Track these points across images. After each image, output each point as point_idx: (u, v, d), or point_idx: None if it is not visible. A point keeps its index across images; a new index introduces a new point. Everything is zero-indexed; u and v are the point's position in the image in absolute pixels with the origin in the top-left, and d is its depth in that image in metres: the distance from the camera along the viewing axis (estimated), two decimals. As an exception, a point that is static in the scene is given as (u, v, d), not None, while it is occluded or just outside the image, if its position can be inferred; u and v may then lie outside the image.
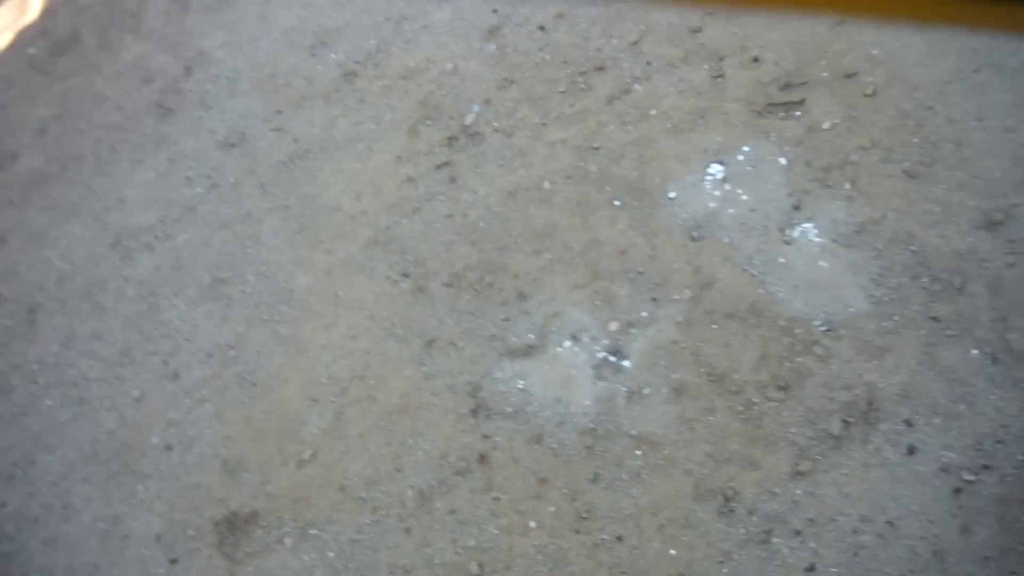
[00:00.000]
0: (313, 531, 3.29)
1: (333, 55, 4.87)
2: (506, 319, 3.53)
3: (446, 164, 4.16)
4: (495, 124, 4.22)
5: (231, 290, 4.10)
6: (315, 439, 3.50)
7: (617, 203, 3.72)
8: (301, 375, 3.68)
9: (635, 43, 4.19)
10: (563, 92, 4.20)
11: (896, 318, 3.14)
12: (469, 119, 4.29)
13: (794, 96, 3.77)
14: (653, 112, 3.95)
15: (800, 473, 2.94)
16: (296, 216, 4.27)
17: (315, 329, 3.80)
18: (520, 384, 3.35)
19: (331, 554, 3.23)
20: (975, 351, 3.03)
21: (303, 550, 3.27)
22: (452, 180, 4.08)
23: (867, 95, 3.67)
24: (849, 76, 3.73)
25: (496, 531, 3.10)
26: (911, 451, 2.90)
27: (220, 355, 3.88)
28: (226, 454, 3.60)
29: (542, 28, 4.51)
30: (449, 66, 4.55)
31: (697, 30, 4.11)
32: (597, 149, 3.94)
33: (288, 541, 3.30)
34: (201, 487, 3.56)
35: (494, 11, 4.70)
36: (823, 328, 3.18)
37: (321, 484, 3.38)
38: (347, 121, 4.60)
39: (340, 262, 3.98)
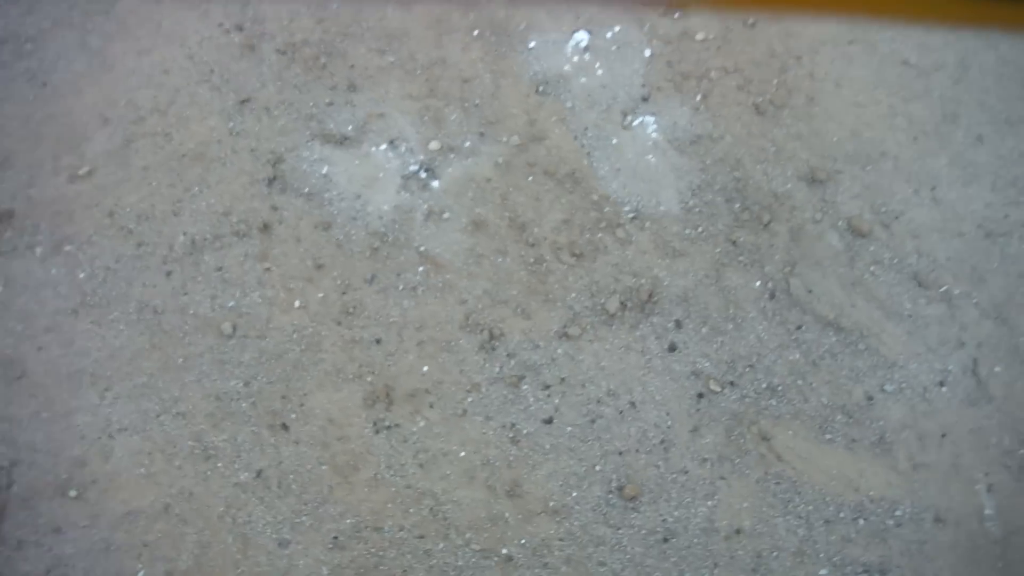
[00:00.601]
0: (68, 247, 3.07)
1: None
2: (330, 103, 3.38)
3: (317, -66, 3.93)
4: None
5: (47, -19, 3.73)
6: (96, 158, 3.24)
7: (476, 33, 3.62)
8: (98, 91, 3.38)
9: None
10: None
11: (700, 229, 3.24)
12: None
13: (680, -1, 3.78)
14: (535, -38, 3.87)
15: (567, 335, 3.00)
16: (139, -72, 3.92)
17: (127, 50, 3.49)
18: (325, 169, 3.23)
19: (82, 274, 3.03)
20: (758, 283, 3.18)
21: (53, 263, 3.05)
22: (317, -48, 3.86)
23: (747, 24, 3.72)
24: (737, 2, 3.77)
25: (259, 300, 3.01)
26: (672, 348, 3.02)
27: (14, 45, 3.53)
28: (-6, 143, 3.30)
29: None
30: None
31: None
32: (475, -25, 3.82)
33: (39, 250, 3.06)
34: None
35: None
36: (631, 215, 3.24)
37: (89, 204, 3.15)
38: None
39: (174, -9, 3.70)
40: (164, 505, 2.77)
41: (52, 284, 3.01)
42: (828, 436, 2.95)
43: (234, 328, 2.95)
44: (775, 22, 3.72)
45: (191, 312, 2.97)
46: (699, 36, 3.64)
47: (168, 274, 3.03)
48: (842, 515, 2.83)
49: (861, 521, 2.83)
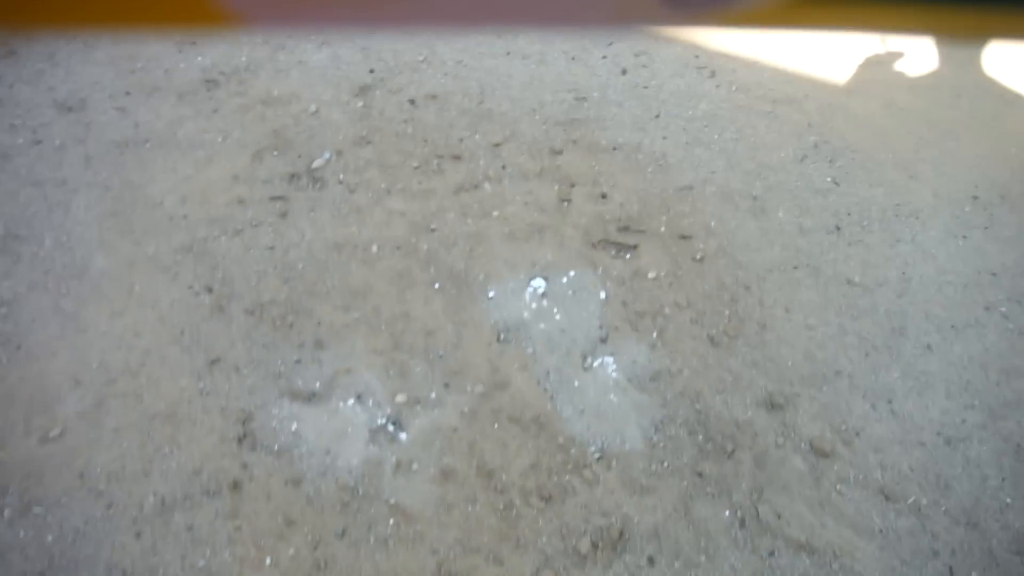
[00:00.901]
0: (38, 509, 3.08)
1: (200, 57, 4.81)
2: (298, 361, 3.48)
3: (282, 198, 4.13)
4: (341, 176, 4.24)
5: (23, 248, 3.88)
6: (67, 419, 3.29)
7: (437, 286, 3.77)
8: (72, 353, 3.49)
9: (497, 145, 4.32)
10: (416, 168, 4.27)
11: (665, 464, 3.29)
12: (317, 163, 4.29)
13: (629, 240, 3.96)
14: (496, 214, 4.06)
15: (540, 581, 2.99)
16: (114, 199, 4.11)
17: (100, 313, 3.63)
18: (294, 426, 3.29)
19: (50, 537, 3.02)
20: (727, 512, 3.20)
21: (21, 525, 3.04)
22: (283, 215, 4.05)
23: (695, 259, 3.90)
24: (684, 238, 3.97)
25: (229, 558, 2.99)
26: (644, 588, 3.01)
27: (-11, 310, 3.66)
28: (-35, 409, 3.36)
29: (412, 102, 4.60)
30: (312, 107, 4.56)
31: (558, 152, 4.29)
32: (433, 231, 4.00)
33: (7, 512, 3.06)
34: (-72, 437, 3.30)
35: (371, 71, 4.76)
36: (597, 455, 3.29)
37: (60, 465, 3.18)
38: (195, 125, 4.51)
39: (146, 257, 3.85)
40: None
41: (19, 547, 2.97)
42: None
43: (205, 590, 2.93)
44: (722, 255, 3.90)
45: (161, 573, 2.95)
46: (651, 275, 3.81)
47: (138, 535, 3.02)
48: None
49: None
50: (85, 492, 3.10)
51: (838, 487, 3.35)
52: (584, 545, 3.08)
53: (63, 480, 3.13)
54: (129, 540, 3.02)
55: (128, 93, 4.60)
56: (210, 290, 3.71)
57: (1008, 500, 3.46)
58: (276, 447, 3.25)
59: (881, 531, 3.27)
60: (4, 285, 3.73)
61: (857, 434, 3.50)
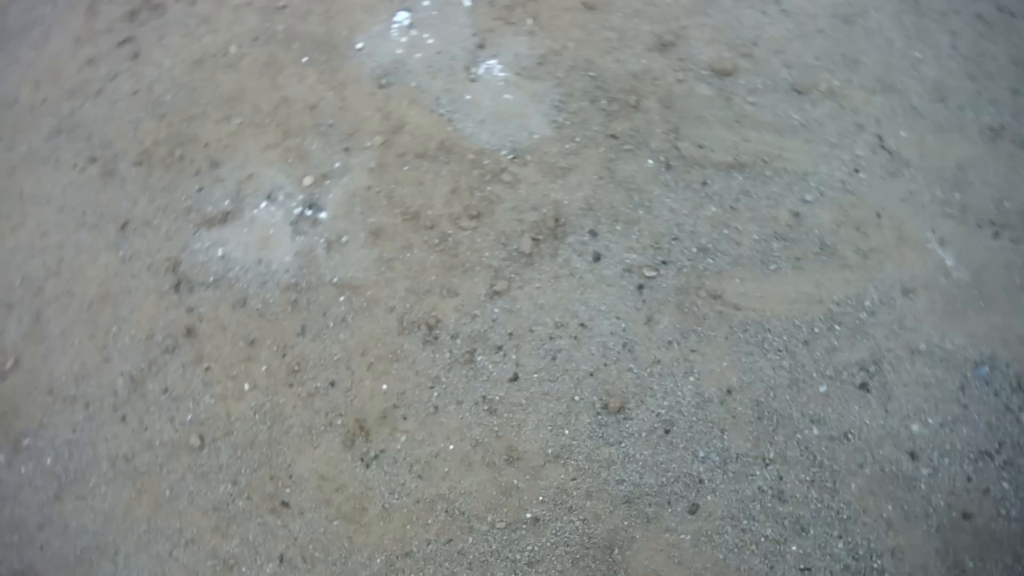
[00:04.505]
0: (27, 441, 3.10)
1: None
2: (200, 189, 3.41)
3: (128, 40, 3.94)
4: (177, -7, 4.04)
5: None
6: (15, 346, 3.27)
7: (305, 60, 3.65)
8: (-9, 281, 3.44)
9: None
10: (242, -45, 4.05)
11: (577, 139, 3.27)
12: (148, -10, 4.08)
13: (472, -60, 3.80)
14: (339, -34, 3.89)
15: (497, 293, 3.03)
16: (-32, 113, 3.95)
17: (2, 232, 3.54)
18: (220, 252, 3.26)
19: (48, 460, 3.06)
20: (650, 161, 3.20)
21: (19, 463, 3.08)
22: (135, 56, 3.88)
23: (545, -72, 3.75)
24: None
25: (211, 400, 3.04)
26: (597, 258, 3.05)
27: None
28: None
29: None
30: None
31: None
32: (283, 8, 3.84)
33: (1, 458, 3.10)
34: None
35: None
36: (510, 156, 3.26)
37: (28, 391, 3.18)
38: (19, 6, 4.27)
39: (22, 157, 3.71)
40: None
41: (27, 482, 3.03)
42: (773, 266, 2.98)
43: (201, 438, 2.97)
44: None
45: (157, 443, 3.00)
46: (509, -37, 3.66)
47: (123, 419, 3.05)
48: (817, 330, 2.86)
49: (837, 327, 2.86)
50: (61, 404, 3.11)
51: (749, 99, 3.32)
52: (526, 244, 3.10)
53: (36, 403, 3.14)
54: (117, 427, 3.05)
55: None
56: (94, 160, 3.60)
57: (918, 55, 3.43)
58: (211, 279, 3.23)
59: (803, 124, 3.26)
60: None
61: (754, 43, 3.45)
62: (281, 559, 2.78)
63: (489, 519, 2.73)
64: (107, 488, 2.96)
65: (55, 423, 3.10)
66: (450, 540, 2.72)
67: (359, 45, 3.65)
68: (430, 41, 3.60)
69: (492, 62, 3.49)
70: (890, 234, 3.01)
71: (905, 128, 3.22)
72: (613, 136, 3.25)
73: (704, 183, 3.14)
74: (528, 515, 2.71)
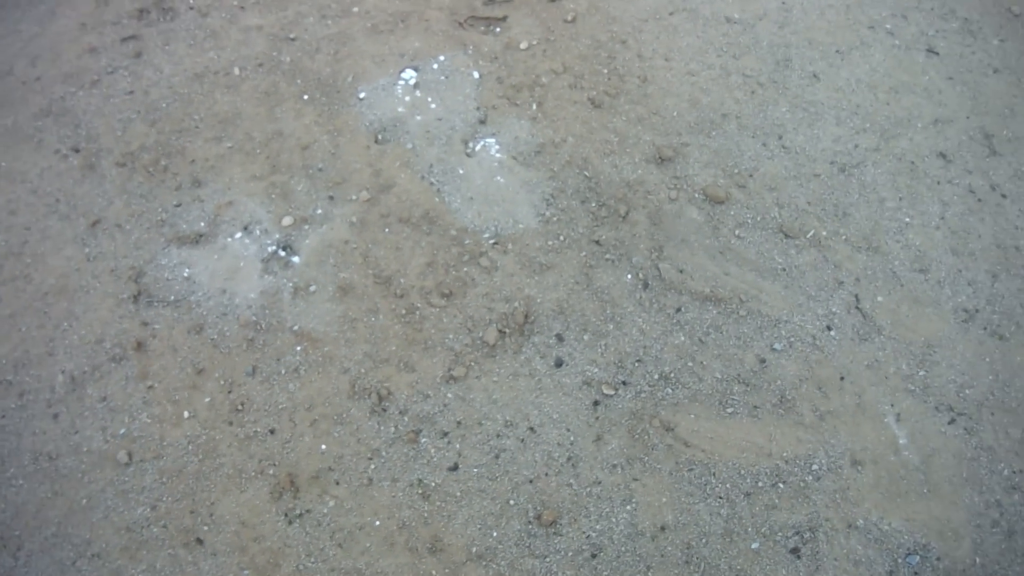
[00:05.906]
0: (-51, 416, 3.02)
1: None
2: (178, 205, 3.35)
3: (133, 37, 3.88)
4: (191, 1, 3.98)
5: None
6: (-40, 321, 3.20)
7: (306, 97, 3.62)
8: (-54, 249, 3.34)
9: (347, -61, 4.06)
10: (267, -22, 4.02)
11: (561, 238, 3.25)
12: (164, -8, 4.03)
13: (497, 12, 3.80)
14: (356, 9, 3.87)
15: (453, 378, 2.99)
16: (-43, 72, 3.86)
17: (-32, 200, 3.46)
18: (186, 272, 3.20)
19: (-33, 440, 2.98)
20: (629, 276, 3.19)
21: (-64, 437, 3.00)
22: (137, 55, 3.82)
23: (567, 21, 3.75)
24: (552, 0, 3.79)
25: (148, 420, 2.96)
26: (559, 364, 3.02)
27: None
28: None
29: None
30: (150, -67, 4.24)
31: (410, -66, 4.03)
32: (293, 40, 3.80)
33: (-79, 427, 3.01)
34: None
35: None
36: (492, 241, 3.24)
37: (-39, 365, 3.10)
38: (30, -23, 4.20)
39: (6, 129, 3.63)
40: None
41: None
42: (730, 410, 2.97)
43: (130, 455, 2.90)
44: (594, 12, 3.74)
45: (85, 449, 2.92)
46: (523, 45, 3.66)
47: (55, 417, 2.97)
48: (760, 484, 2.84)
49: (781, 485, 2.85)
50: (-5, 387, 3.03)
51: (737, 232, 3.33)
52: (491, 335, 3.07)
53: (-30, 379, 3.05)
54: (47, 424, 2.96)
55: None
56: (77, 150, 3.53)
57: (907, 219, 3.46)
58: (172, 297, 3.17)
59: (784, 269, 3.27)
60: None
61: (750, 175, 3.47)
62: (181, 598, 2.71)
63: (399, 606, 2.67)
64: (24, 482, 2.88)
65: (-17, 405, 3.01)
66: (356, 619, 2.66)
67: (362, 94, 3.62)
68: (433, 106, 3.58)
69: (490, 140, 3.48)
70: (850, 400, 3.01)
71: (883, 293, 3.24)
72: (597, 242, 3.24)
73: (678, 309, 3.14)
74: (439, 610, 2.67)
